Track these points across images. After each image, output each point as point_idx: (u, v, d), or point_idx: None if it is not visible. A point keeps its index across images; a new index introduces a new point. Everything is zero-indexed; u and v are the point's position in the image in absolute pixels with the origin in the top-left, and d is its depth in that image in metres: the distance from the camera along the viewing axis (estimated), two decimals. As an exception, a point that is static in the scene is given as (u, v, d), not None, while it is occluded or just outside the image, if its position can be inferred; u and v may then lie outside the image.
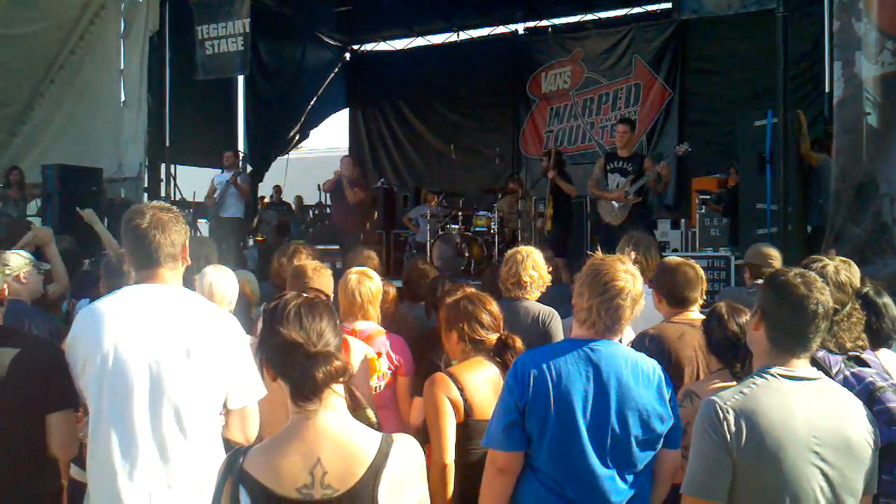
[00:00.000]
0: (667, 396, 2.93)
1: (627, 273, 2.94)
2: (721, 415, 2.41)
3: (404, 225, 13.81)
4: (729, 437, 2.38)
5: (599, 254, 3.09)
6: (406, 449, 2.17)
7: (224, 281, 4.25)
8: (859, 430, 2.47)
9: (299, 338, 2.13)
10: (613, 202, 9.07)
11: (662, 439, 2.90)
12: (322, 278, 4.42)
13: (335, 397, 2.15)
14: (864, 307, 3.39)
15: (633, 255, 3.91)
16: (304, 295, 2.26)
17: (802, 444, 2.37)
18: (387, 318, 4.74)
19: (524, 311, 4.69)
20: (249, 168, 12.46)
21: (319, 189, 15.31)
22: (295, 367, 2.09)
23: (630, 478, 2.86)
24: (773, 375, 2.46)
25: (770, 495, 2.41)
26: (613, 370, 2.86)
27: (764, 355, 2.56)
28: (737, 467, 2.39)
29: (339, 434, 2.12)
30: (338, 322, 2.26)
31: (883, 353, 3.45)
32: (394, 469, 2.10)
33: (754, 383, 2.47)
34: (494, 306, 3.69)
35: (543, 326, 4.65)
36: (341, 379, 2.14)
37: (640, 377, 2.89)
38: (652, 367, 2.97)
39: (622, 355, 2.93)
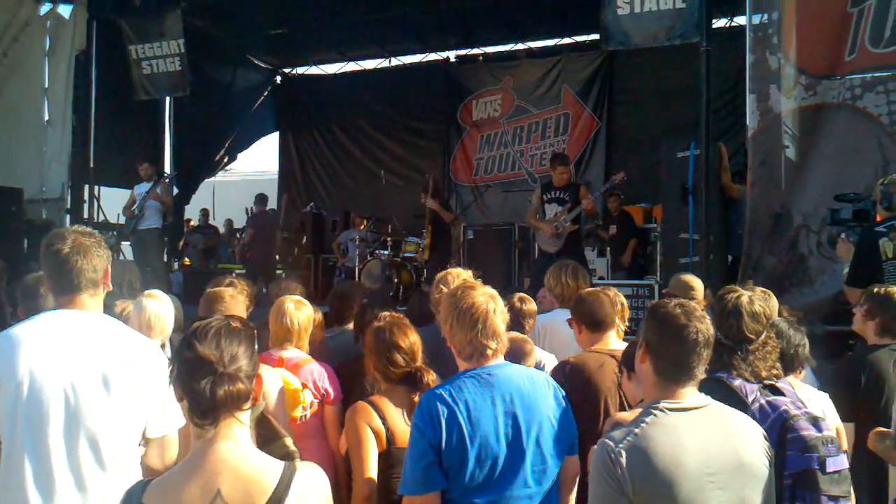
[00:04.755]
0: (563, 403, 3.01)
1: (485, 296, 2.99)
2: (613, 457, 2.40)
3: (332, 251, 13.67)
4: (623, 479, 2.38)
5: (448, 286, 3.10)
6: (310, 477, 2.14)
7: (162, 310, 4.22)
8: (752, 450, 2.52)
9: (212, 356, 2.10)
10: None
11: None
12: (237, 304, 4.38)
13: (238, 426, 2.11)
14: (779, 336, 3.49)
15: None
16: (231, 321, 2.23)
17: (696, 476, 2.40)
18: (313, 344, 4.70)
19: None
20: (176, 190, 12.22)
21: (247, 212, 15.15)
22: (199, 383, 2.06)
23: (545, 491, 2.90)
24: (661, 411, 2.49)
25: None
26: (515, 389, 2.90)
27: (652, 387, 2.59)
28: None
29: (239, 464, 2.08)
30: (256, 353, 2.22)
31: (795, 379, 3.56)
32: (297, 498, 2.07)
33: (644, 421, 2.48)
34: (413, 335, 3.65)
35: None
36: (244, 406, 2.12)
37: (539, 389, 2.95)
38: (544, 377, 3.07)
39: (517, 373, 2.99)
